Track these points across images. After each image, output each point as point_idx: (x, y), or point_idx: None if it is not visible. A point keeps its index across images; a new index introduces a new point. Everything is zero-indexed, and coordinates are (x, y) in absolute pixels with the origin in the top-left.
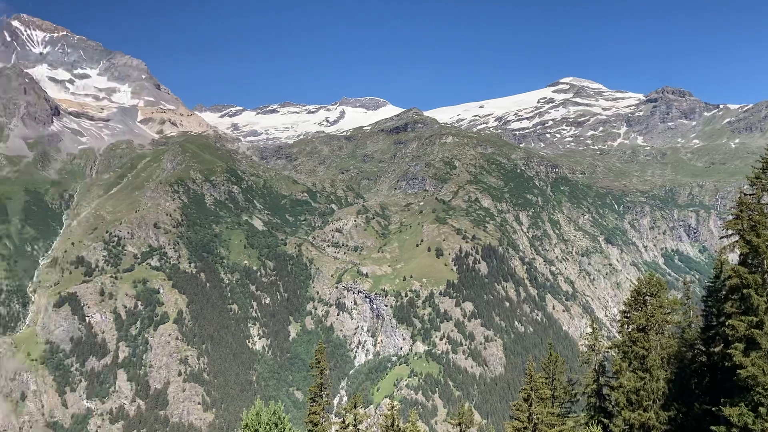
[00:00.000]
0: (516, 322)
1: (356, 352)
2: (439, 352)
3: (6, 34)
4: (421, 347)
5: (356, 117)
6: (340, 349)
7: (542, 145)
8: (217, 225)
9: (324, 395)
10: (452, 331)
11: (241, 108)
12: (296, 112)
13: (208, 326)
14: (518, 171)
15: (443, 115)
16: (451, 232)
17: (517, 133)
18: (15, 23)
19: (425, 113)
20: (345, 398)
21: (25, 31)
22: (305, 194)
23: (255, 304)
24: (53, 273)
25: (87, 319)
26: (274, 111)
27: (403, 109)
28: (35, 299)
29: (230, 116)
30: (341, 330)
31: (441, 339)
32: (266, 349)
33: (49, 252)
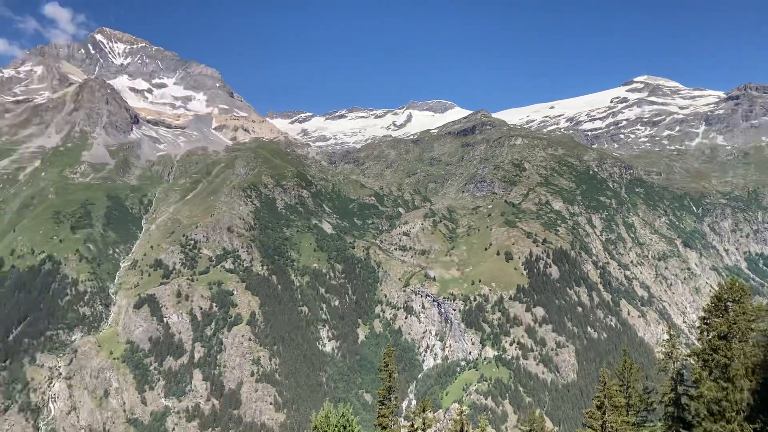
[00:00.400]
0: (589, 328)
1: (424, 355)
2: (509, 357)
3: (90, 47)
4: (490, 352)
5: (423, 120)
6: (409, 352)
7: (616, 145)
8: (287, 229)
9: (392, 398)
10: (522, 336)
11: (310, 114)
12: (364, 117)
13: (279, 328)
14: (591, 173)
15: (512, 116)
16: (520, 236)
17: (589, 133)
18: (98, 37)
19: (493, 115)
20: (413, 402)
21: (108, 43)
22: (372, 198)
23: (324, 306)
24: (133, 275)
25: (165, 319)
26: (342, 116)
27: (471, 112)
28: (117, 300)
29: (300, 122)
30: (409, 333)
31: (511, 344)
32: (336, 351)
33: (130, 255)
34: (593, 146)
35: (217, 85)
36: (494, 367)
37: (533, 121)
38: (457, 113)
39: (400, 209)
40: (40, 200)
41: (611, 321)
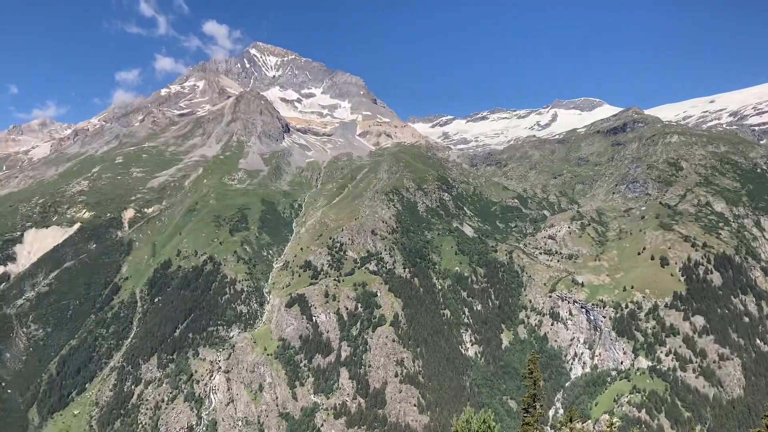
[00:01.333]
0: (758, 340)
1: (572, 364)
2: (665, 368)
3: (246, 61)
4: (643, 362)
5: (569, 119)
6: (555, 360)
7: None
8: (429, 231)
9: (538, 406)
10: (680, 346)
11: (451, 117)
12: (506, 118)
13: (422, 330)
14: (758, 171)
15: (666, 112)
16: (677, 240)
17: (756, 129)
18: (252, 51)
19: (646, 111)
20: (560, 411)
21: (261, 57)
22: (515, 200)
23: (467, 310)
24: (285, 275)
25: (314, 318)
26: (483, 118)
27: (621, 109)
28: (270, 299)
29: (441, 126)
30: (555, 341)
31: (667, 355)
32: (478, 355)
33: (282, 256)
34: (761, 142)
35: (361, 92)
36: (648, 378)
37: (690, 116)
38: (605, 111)
39: (545, 212)
40: (203, 205)
41: None
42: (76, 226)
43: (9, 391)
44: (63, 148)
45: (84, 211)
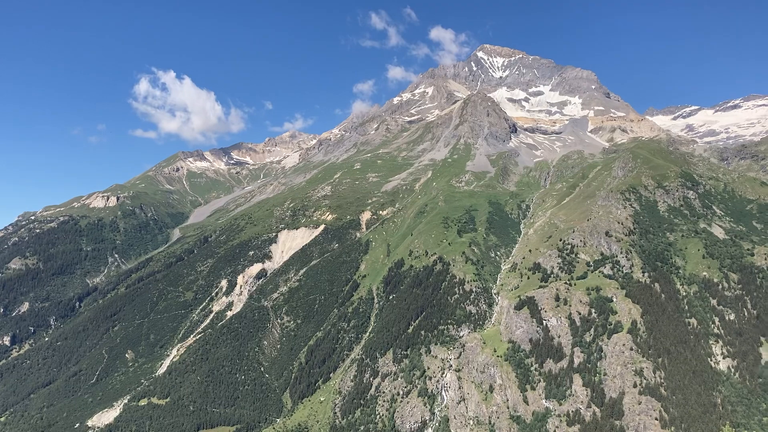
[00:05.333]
0: None
1: None
2: None
3: (473, 64)
4: None
5: None
6: None
7: None
8: (671, 233)
9: None
10: None
11: (696, 107)
12: (764, 105)
13: (663, 339)
14: None
15: None
16: None
17: None
18: (480, 54)
19: None
20: None
21: (488, 59)
22: None
23: (716, 319)
24: (513, 277)
25: (544, 322)
26: (735, 107)
27: None
28: (498, 301)
29: (684, 117)
30: None
31: None
32: (732, 370)
33: (509, 258)
34: None
35: (593, 87)
36: None
37: None
38: None
39: None
40: (432, 207)
41: None
42: (321, 227)
43: (267, 375)
44: (309, 156)
45: (327, 213)
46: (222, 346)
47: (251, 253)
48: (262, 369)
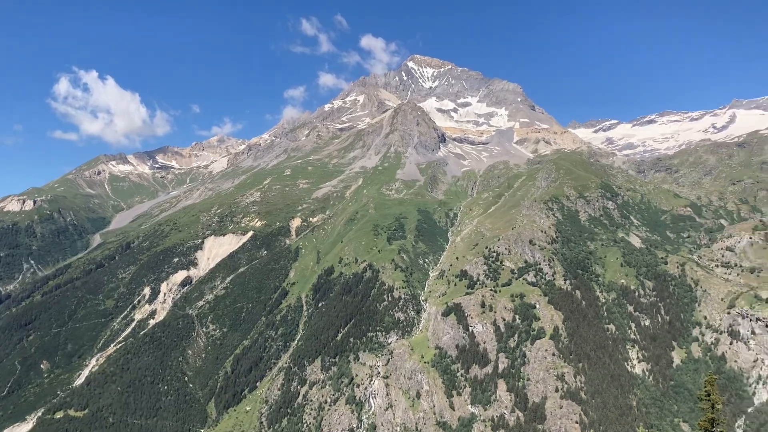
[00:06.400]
0: None
1: (755, 388)
2: None
3: (403, 74)
4: None
5: (750, 120)
6: (735, 383)
7: None
8: (591, 242)
9: (717, 431)
10: None
11: (615, 121)
12: (677, 121)
13: (584, 344)
14: None
15: None
16: None
17: None
18: (410, 63)
19: None
20: None
21: (418, 69)
22: (688, 209)
23: (633, 325)
24: (441, 284)
25: (470, 328)
26: (651, 121)
27: None
28: (426, 307)
29: (604, 131)
30: (735, 361)
31: None
32: (646, 373)
33: (437, 265)
34: None
35: (519, 99)
36: None
37: None
38: None
39: (722, 221)
40: (362, 214)
41: None
42: (249, 234)
43: (191, 385)
44: (238, 162)
45: (256, 220)
46: (144, 356)
47: (176, 260)
48: (186, 379)
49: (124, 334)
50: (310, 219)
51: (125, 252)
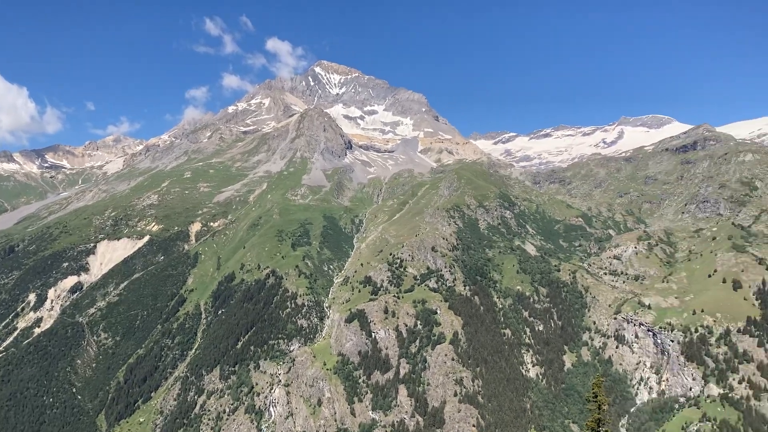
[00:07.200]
0: None
1: (638, 389)
2: (738, 396)
3: (310, 79)
4: (714, 390)
5: (636, 137)
6: (620, 384)
7: None
8: (490, 249)
9: (602, 431)
10: (754, 374)
11: (514, 134)
12: (570, 135)
13: (482, 349)
14: None
15: (740, 130)
16: (751, 262)
17: None
18: (317, 69)
19: (717, 129)
20: None
21: (325, 75)
22: (580, 219)
23: (528, 330)
24: (345, 291)
25: (373, 334)
26: (547, 135)
27: (691, 126)
28: (330, 314)
29: (503, 143)
30: (620, 364)
31: (740, 382)
32: (540, 377)
33: (342, 272)
34: None
35: (423, 109)
36: (719, 406)
37: (766, 134)
38: (675, 128)
39: (611, 231)
40: (266, 220)
41: None
42: (146, 238)
43: (79, 397)
44: (135, 163)
45: (153, 224)
46: (27, 367)
47: (65, 264)
48: (74, 390)
49: (5, 344)
50: (211, 224)
51: (8, 256)
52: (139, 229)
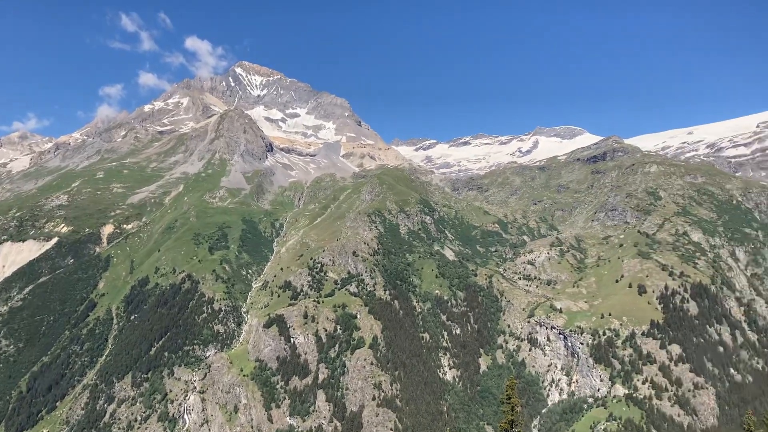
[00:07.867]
0: (732, 370)
1: (549, 390)
2: (641, 396)
3: (231, 79)
4: (620, 390)
5: (550, 147)
6: (533, 386)
7: (763, 173)
8: (410, 254)
9: None
10: (656, 375)
11: (434, 141)
12: (488, 144)
13: (400, 353)
14: (734, 202)
15: (646, 142)
16: (655, 268)
17: (732, 161)
18: (238, 70)
19: (626, 141)
20: None
21: (246, 76)
22: (496, 225)
23: (446, 334)
24: (264, 296)
25: (292, 340)
26: (466, 143)
27: (601, 138)
28: (248, 319)
29: (424, 149)
30: (533, 366)
31: (643, 383)
32: (457, 380)
33: (261, 276)
34: (737, 174)
35: (346, 114)
36: (624, 406)
37: (669, 147)
38: (586, 139)
39: (525, 237)
40: (183, 222)
41: (758, 363)
42: (54, 240)
43: None
44: (43, 161)
45: (62, 225)
46: None
47: None
48: None
49: None
50: (124, 226)
51: None
52: (47, 230)
